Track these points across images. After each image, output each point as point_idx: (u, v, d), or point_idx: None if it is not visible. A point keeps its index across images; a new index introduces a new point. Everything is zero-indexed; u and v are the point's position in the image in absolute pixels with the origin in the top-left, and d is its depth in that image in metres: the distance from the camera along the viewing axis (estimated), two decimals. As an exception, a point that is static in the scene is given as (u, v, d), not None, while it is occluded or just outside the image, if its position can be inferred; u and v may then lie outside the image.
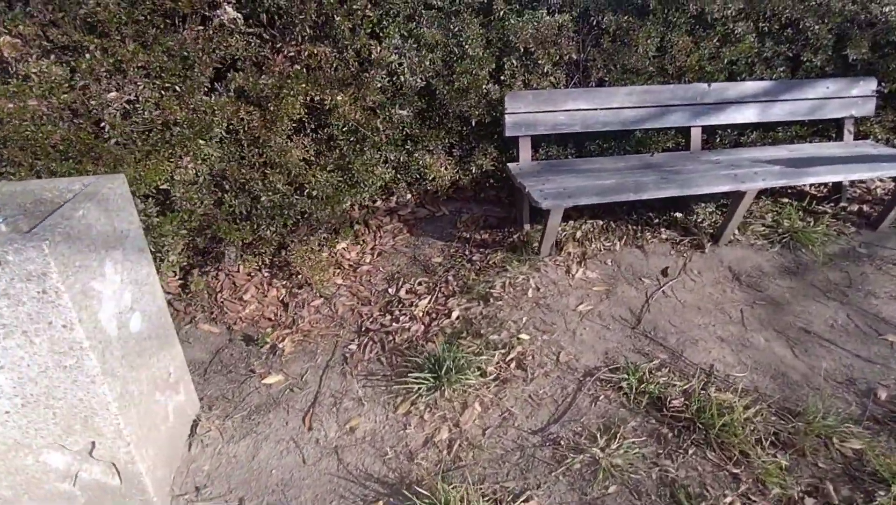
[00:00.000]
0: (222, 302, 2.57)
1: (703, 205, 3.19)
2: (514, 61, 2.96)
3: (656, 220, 3.19)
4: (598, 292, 2.65)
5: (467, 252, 2.93)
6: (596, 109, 2.97)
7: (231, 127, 2.29)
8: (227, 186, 2.34)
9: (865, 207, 3.34)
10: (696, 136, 3.13)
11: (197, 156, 2.18)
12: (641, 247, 2.97)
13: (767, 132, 3.35)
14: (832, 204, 3.39)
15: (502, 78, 3.00)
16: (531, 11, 2.94)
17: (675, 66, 3.19)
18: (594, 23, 3.14)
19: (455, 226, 3.18)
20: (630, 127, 3.05)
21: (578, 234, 3.02)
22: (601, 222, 3.15)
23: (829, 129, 3.39)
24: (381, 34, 2.63)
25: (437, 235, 3.09)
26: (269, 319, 2.52)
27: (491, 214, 3.25)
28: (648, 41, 3.06)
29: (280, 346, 2.35)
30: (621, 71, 3.14)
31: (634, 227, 3.12)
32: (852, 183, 3.46)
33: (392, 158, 2.86)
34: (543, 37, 2.94)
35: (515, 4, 2.94)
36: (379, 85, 2.65)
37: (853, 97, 3.22)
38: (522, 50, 2.93)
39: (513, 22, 2.86)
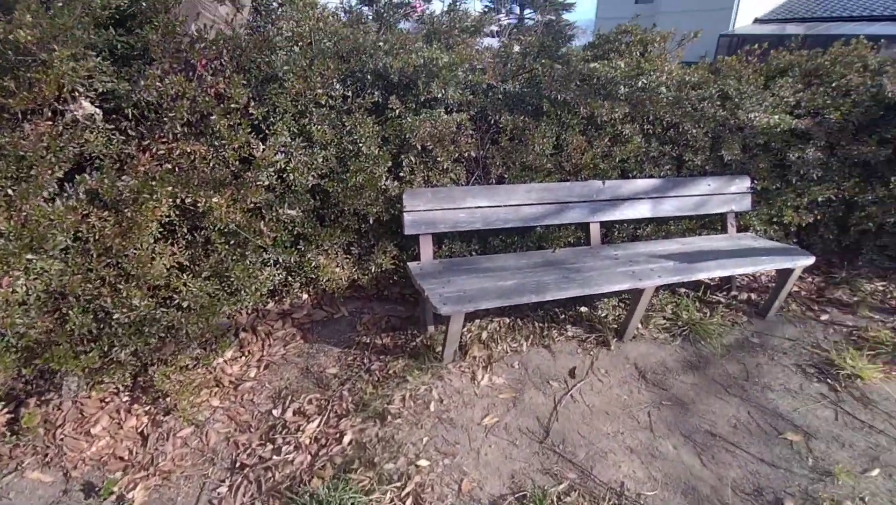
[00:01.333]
0: (62, 439, 2.11)
1: (605, 300, 3.18)
2: (412, 158, 2.89)
3: (562, 316, 3.12)
4: (505, 400, 2.47)
5: (366, 360, 2.68)
6: (496, 207, 2.93)
7: (80, 235, 1.97)
8: (71, 303, 1.98)
9: (753, 296, 3.49)
10: (595, 231, 3.16)
11: (30, 271, 1.83)
12: (548, 346, 2.87)
13: (661, 226, 3.48)
14: (724, 293, 3.51)
15: (401, 174, 2.90)
16: (428, 110, 2.92)
17: (572, 163, 3.27)
18: (492, 121, 3.18)
19: (355, 328, 2.93)
20: (531, 223, 3.03)
21: (484, 334, 2.87)
22: (508, 320, 3.03)
23: (715, 223, 3.57)
24: (267, 131, 2.46)
25: (334, 341, 2.82)
26: (122, 459, 2.09)
27: (394, 315, 3.05)
28: (544, 140, 3.12)
29: (129, 495, 1.93)
30: (520, 168, 3.16)
31: (541, 325, 3.03)
32: (740, 271, 3.63)
33: (282, 261, 2.62)
34: (442, 135, 2.91)
35: (412, 103, 2.91)
36: (265, 183, 2.45)
37: (732, 193, 3.44)
38: (420, 147, 2.87)
39: (409, 120, 2.81)
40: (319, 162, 2.60)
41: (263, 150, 2.32)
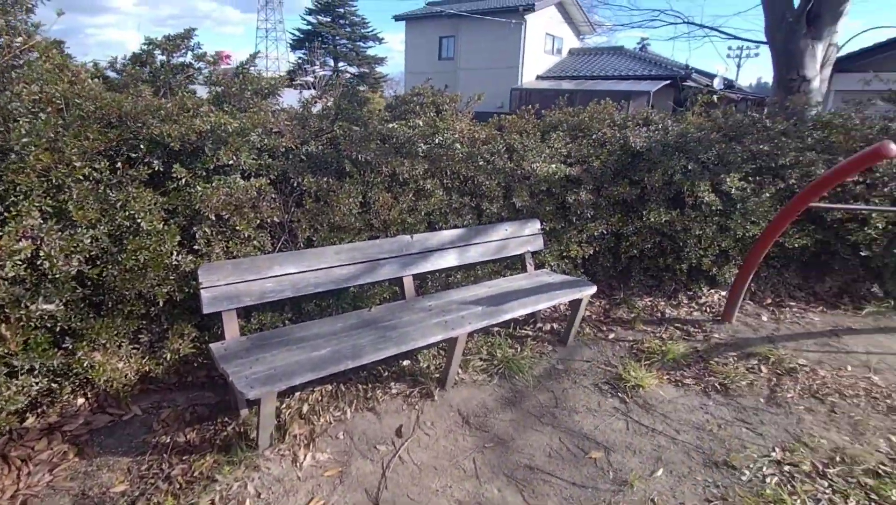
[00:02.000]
0: None
1: (425, 351, 3.24)
2: (206, 229, 2.65)
3: (386, 374, 3.09)
4: (331, 478, 2.32)
5: (165, 465, 2.31)
6: (306, 272, 2.82)
7: None
8: None
9: (555, 325, 3.88)
10: (409, 284, 3.23)
11: None
12: (373, 408, 2.79)
13: (469, 271, 3.69)
14: (531, 326, 3.84)
15: (196, 247, 2.64)
16: (222, 177, 2.73)
17: (380, 220, 3.32)
18: (295, 184, 3.09)
19: (151, 428, 2.52)
20: (345, 285, 2.98)
21: (305, 407, 2.69)
22: (330, 387, 2.90)
23: (516, 263, 3.91)
24: (6, 214, 2.04)
25: (123, 449, 2.39)
26: None
27: (200, 403, 2.71)
28: (350, 200, 3.13)
29: None
30: (329, 229, 3.11)
31: (365, 386, 2.95)
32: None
33: (39, 366, 2.15)
34: (240, 202, 2.73)
35: (202, 171, 2.69)
36: (9, 275, 2.01)
37: (527, 236, 3.81)
38: (215, 217, 2.65)
39: (200, 189, 2.59)
40: (86, 243, 2.23)
41: (0, 237, 1.91)
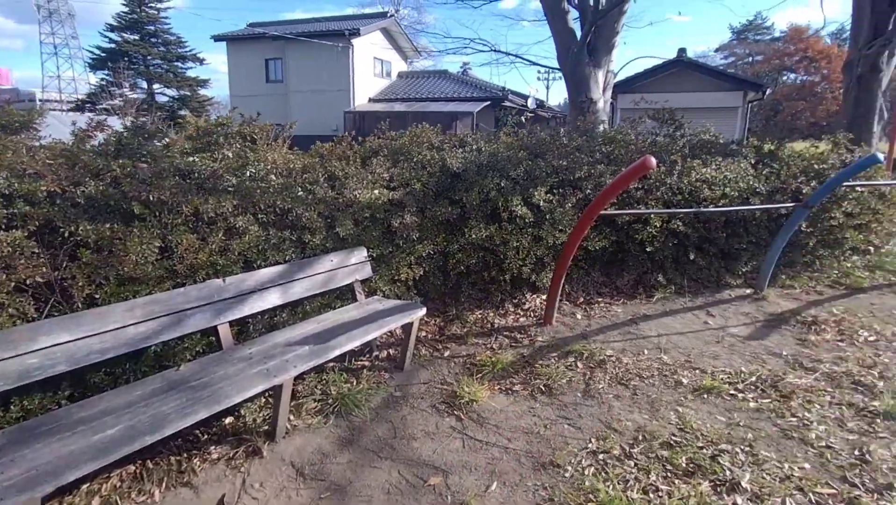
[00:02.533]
0: None
1: (249, 404, 2.95)
2: (-66, 303, 2.09)
3: (205, 437, 2.74)
4: (133, 580, 1.95)
5: None
6: (87, 337, 2.38)
7: None
8: None
9: (392, 351, 3.83)
10: (225, 333, 2.92)
11: None
12: (189, 482, 2.44)
13: (296, 309, 3.48)
14: (368, 356, 3.74)
15: (-81, 327, 2.06)
16: (-45, 235, 2.18)
17: (186, 265, 2.96)
18: (67, 234, 2.61)
19: None
20: (143, 345, 2.58)
21: (96, 502, 2.25)
22: (133, 468, 2.47)
23: (346, 294, 3.79)
24: None
25: None
26: None
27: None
28: (144, 246, 2.73)
29: None
30: (117, 283, 2.67)
31: (178, 457, 2.58)
32: (379, 331, 3.94)
33: None
34: (-16, 263, 2.21)
35: (-79, 230, 2.12)
36: None
37: (354, 265, 3.72)
38: (-54, 286, 2.11)
39: (-82, 254, 2.03)
40: None
41: None
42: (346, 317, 3.40)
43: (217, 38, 23.24)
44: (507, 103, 21.02)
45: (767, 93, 19.41)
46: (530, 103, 23.29)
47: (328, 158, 4.24)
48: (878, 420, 2.91)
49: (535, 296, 4.80)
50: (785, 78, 38.46)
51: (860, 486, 2.40)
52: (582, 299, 4.91)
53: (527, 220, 4.47)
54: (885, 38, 6.63)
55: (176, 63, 34.96)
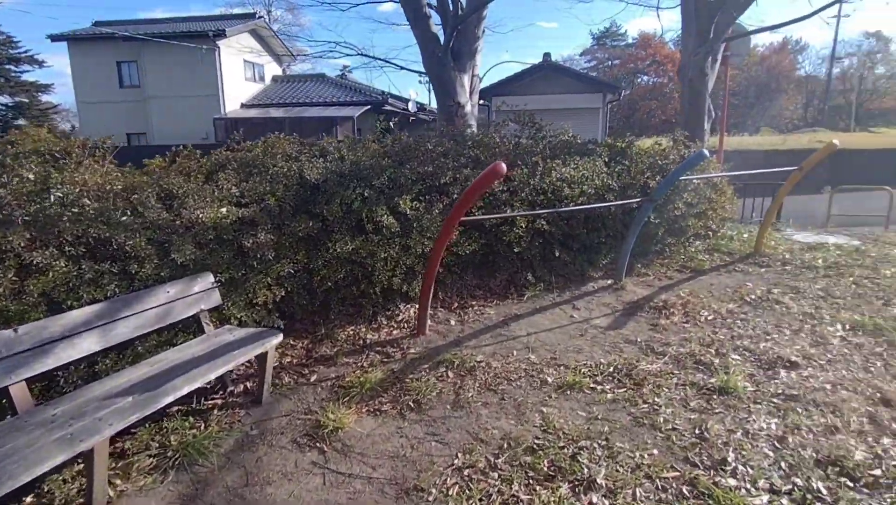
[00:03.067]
0: None
1: (55, 476, 2.47)
2: None
3: (-5, 526, 2.24)
4: None
5: None
6: None
7: None
8: None
9: (250, 384, 3.48)
10: (20, 394, 2.41)
11: None
12: (-35, 590, 1.96)
13: (124, 352, 3.01)
14: (221, 393, 3.36)
15: None
16: None
17: (-38, 315, 2.40)
18: None
19: None
20: None
21: None
22: None
23: (190, 326, 3.37)
24: None
25: None
26: None
27: None
28: None
29: None
30: None
31: (-47, 559, 2.06)
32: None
33: None
34: None
35: None
36: None
37: (198, 293, 3.31)
38: None
39: None
40: None
41: None
42: (189, 354, 3.00)
43: (55, 38, 20.40)
44: (388, 107, 20.85)
45: (624, 94, 21.26)
46: (411, 107, 23.37)
47: (164, 175, 3.76)
48: (715, 396, 3.15)
49: (408, 306, 4.67)
50: (639, 80, 42.51)
51: (700, 464, 2.55)
52: (456, 304, 4.88)
53: (393, 230, 4.33)
54: (708, 45, 7.44)
55: (7, 66, 30.32)
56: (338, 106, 20.19)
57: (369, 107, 20.25)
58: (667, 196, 5.78)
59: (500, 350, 3.96)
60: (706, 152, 4.42)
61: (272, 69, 24.11)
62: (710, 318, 4.41)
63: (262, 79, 23.03)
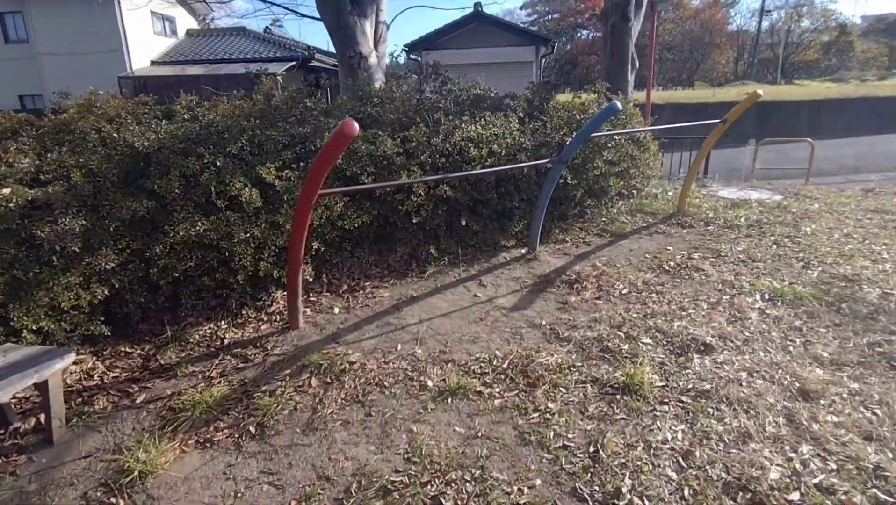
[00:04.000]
0: None
1: None
2: None
3: None
4: None
5: None
6: None
7: None
8: None
9: (44, 417, 2.68)
10: None
11: None
12: None
13: None
14: (2, 430, 2.56)
15: None
16: None
17: None
18: None
19: None
20: None
21: None
22: None
23: (-52, 349, 2.52)
24: None
25: None
26: None
27: None
28: None
29: None
30: None
31: None
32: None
33: None
34: None
35: None
36: None
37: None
38: None
39: None
40: None
41: None
42: (-76, 393, 2.17)
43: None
44: (316, 63, 19.28)
45: (559, 48, 20.45)
46: (343, 63, 21.70)
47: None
48: (618, 396, 2.63)
49: (284, 294, 3.92)
50: (579, 35, 41.68)
51: (588, 499, 2.02)
52: (346, 287, 4.17)
53: (256, 206, 3.52)
54: (633, -12, 6.78)
55: None
56: (260, 62, 18.38)
57: (294, 63, 18.61)
58: (584, 155, 5.19)
59: (384, 344, 3.31)
60: (618, 104, 3.79)
61: (187, 22, 21.73)
62: (624, 291, 3.91)
63: (174, 33, 20.71)
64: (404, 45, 17.42)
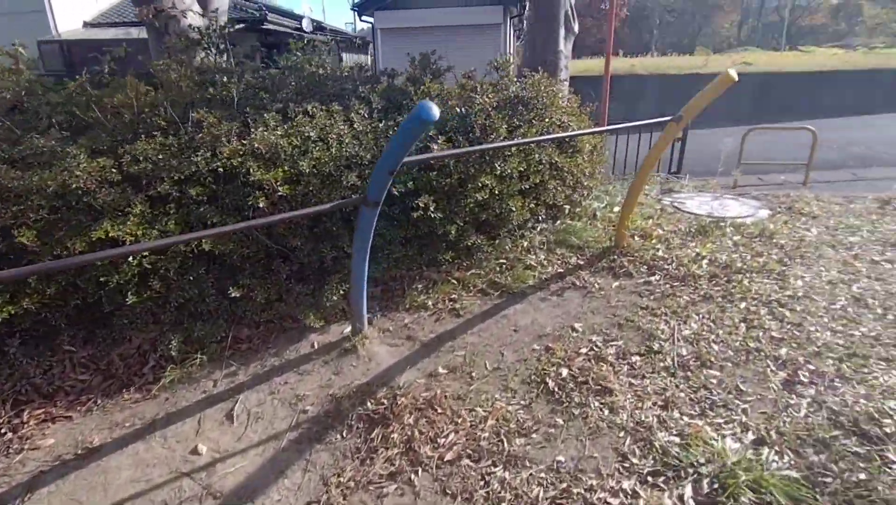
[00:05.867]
0: None
1: None
2: None
3: None
4: None
5: None
6: None
7: None
8: None
9: None
10: None
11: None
12: None
13: None
14: None
15: None
16: None
17: None
18: None
19: None
20: None
21: None
22: None
23: None
24: None
25: None
26: None
27: None
28: None
29: None
30: None
31: None
32: None
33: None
34: None
35: None
36: None
37: None
38: None
39: None
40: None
41: None
42: None
43: None
44: (270, 25, 16.86)
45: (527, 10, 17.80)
46: (306, 25, 19.21)
47: None
48: None
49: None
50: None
51: None
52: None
53: None
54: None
55: None
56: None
57: (243, 25, 16.20)
58: (461, 170, 3.26)
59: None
60: (431, 111, 1.82)
61: (133, -21, 19.17)
62: (448, 457, 2.08)
63: (115, -8, 18.26)
64: (353, 5, 14.95)
